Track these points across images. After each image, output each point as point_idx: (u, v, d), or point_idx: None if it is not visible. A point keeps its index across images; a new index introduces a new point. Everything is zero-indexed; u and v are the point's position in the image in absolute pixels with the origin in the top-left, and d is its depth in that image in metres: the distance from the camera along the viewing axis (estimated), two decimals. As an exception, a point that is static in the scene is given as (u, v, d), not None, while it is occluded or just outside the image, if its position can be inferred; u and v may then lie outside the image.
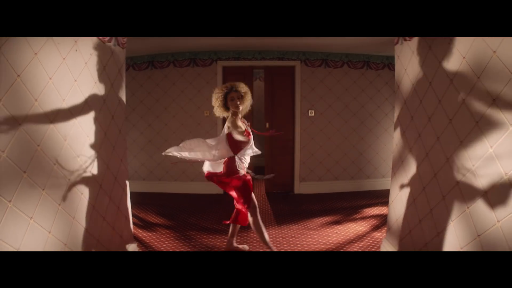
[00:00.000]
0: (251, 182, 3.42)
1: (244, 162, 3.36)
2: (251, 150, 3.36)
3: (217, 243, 4.05)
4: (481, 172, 2.14)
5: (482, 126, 2.12)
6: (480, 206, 2.15)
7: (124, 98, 3.40)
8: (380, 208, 5.39)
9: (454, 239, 2.41)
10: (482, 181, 2.13)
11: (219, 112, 3.40)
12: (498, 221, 1.98)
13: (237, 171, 3.32)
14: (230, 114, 3.36)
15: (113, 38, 3.08)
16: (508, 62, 1.93)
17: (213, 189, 6.20)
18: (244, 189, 3.34)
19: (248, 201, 3.35)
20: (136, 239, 3.99)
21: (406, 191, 3.21)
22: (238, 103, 3.29)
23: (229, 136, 3.26)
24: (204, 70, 6.07)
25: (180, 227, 4.59)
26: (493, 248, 2.00)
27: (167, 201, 5.85)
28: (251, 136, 3.37)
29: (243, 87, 3.35)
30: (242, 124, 3.34)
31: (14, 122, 1.90)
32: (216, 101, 3.33)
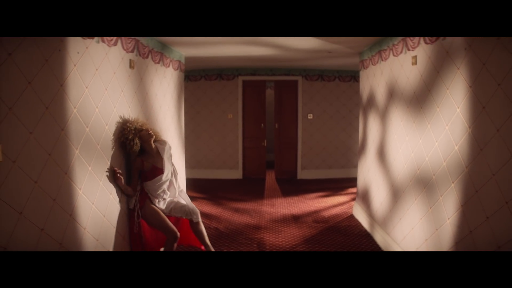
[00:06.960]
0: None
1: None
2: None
3: (241, 206, 5.84)
4: (389, 148, 3.92)
5: (394, 122, 3.88)
6: (393, 167, 3.93)
7: (183, 106, 5.25)
8: (362, 188, 7.15)
9: (383, 189, 4.19)
10: (392, 153, 3.91)
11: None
12: (410, 181, 3.76)
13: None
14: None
15: (178, 66, 4.92)
16: (402, 87, 3.70)
17: (234, 174, 8.08)
18: None
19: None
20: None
21: (365, 166, 4.98)
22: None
23: None
24: (228, 83, 7.92)
25: (213, 198, 6.41)
26: (400, 189, 3.76)
27: (199, 183, 7.67)
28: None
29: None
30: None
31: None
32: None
